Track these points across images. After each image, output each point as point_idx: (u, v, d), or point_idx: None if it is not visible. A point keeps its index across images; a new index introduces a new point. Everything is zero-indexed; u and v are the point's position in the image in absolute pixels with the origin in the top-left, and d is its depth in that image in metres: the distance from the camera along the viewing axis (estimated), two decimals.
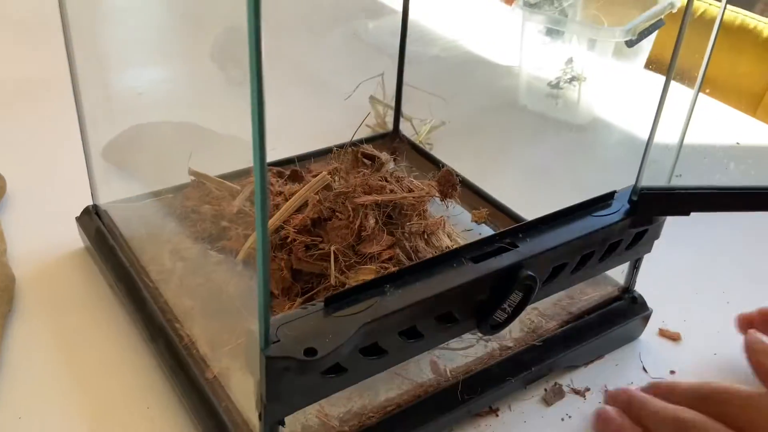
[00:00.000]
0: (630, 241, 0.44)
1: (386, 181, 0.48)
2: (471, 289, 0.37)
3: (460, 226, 0.57)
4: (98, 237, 0.53)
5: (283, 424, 0.35)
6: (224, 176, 0.55)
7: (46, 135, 0.73)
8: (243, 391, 0.40)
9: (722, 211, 0.43)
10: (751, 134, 0.85)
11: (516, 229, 0.40)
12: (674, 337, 0.52)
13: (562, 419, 0.45)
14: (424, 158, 0.66)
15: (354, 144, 0.61)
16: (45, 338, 0.49)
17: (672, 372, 0.49)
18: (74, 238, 0.57)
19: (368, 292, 0.35)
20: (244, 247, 0.46)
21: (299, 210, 0.48)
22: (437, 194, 0.50)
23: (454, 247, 0.42)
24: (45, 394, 0.45)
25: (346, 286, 0.37)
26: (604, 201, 0.44)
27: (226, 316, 0.45)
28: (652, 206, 0.43)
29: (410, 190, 0.48)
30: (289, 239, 0.46)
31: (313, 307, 0.34)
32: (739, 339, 0.49)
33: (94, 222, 0.54)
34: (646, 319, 0.50)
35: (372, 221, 0.45)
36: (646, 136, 0.42)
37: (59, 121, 0.71)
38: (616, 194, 0.44)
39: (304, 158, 0.62)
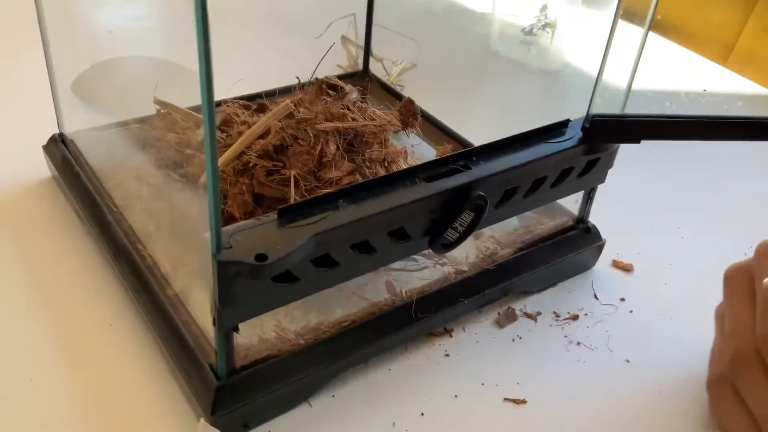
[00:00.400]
0: (582, 169, 0.46)
1: (348, 109, 0.49)
2: (423, 206, 0.38)
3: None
4: (64, 164, 0.54)
5: (237, 330, 0.36)
6: (192, 109, 0.56)
7: (10, 66, 0.72)
8: (202, 306, 0.41)
9: (672, 140, 0.44)
10: (719, 82, 0.86)
11: (469, 152, 0.41)
12: (627, 268, 0.54)
13: (513, 340, 0.47)
14: (394, 98, 0.66)
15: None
16: (12, 261, 0.49)
17: (622, 299, 0.51)
18: (41, 168, 0.57)
19: (322, 206, 0.36)
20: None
21: (262, 137, 0.48)
22: (399, 124, 0.51)
23: None
24: (12, 313, 0.46)
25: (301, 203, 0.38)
26: (558, 129, 0.45)
27: (188, 237, 0.46)
28: (604, 133, 0.44)
29: (372, 119, 0.49)
30: (251, 164, 0.46)
31: (266, 218, 0.35)
32: (692, 274, 0.52)
33: (60, 150, 0.55)
34: (600, 249, 0.52)
35: (333, 147, 0.46)
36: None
37: (25, 54, 0.71)
38: (570, 123, 0.45)
39: (271, 94, 0.62)
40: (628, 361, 0.46)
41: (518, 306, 0.49)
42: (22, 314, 0.45)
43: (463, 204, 0.39)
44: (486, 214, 0.40)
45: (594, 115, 0.43)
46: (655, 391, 0.44)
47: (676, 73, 0.84)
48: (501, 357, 0.45)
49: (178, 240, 0.46)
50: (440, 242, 0.40)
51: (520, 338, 0.47)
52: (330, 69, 0.73)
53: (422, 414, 0.41)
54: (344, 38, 0.75)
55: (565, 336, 0.47)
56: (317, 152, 0.46)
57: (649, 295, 0.51)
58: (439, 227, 0.39)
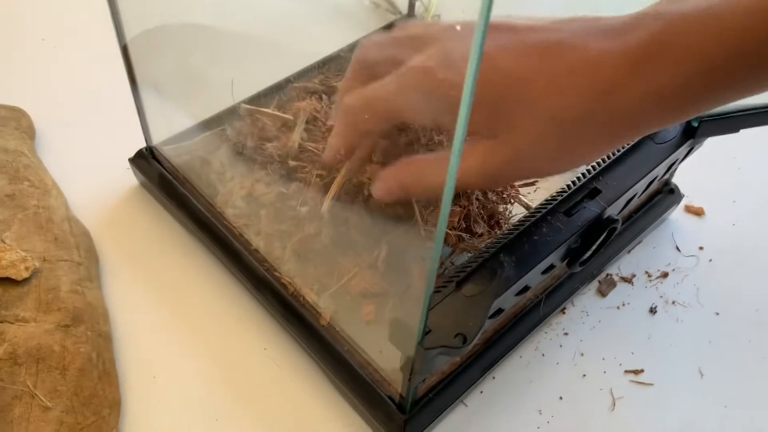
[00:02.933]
0: (683, 156, 0.49)
1: None
2: (569, 243, 0.42)
3: None
4: (161, 182, 0.54)
5: (424, 380, 0.41)
6: (265, 91, 0.55)
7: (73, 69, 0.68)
8: (359, 333, 0.45)
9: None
10: None
11: (596, 174, 0.44)
12: (698, 212, 0.58)
13: (618, 307, 0.53)
14: None
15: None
16: (140, 290, 0.51)
17: (700, 248, 0.56)
18: (126, 177, 0.57)
19: (490, 266, 0.39)
20: (327, 197, 0.48)
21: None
22: None
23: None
24: (164, 345, 0.49)
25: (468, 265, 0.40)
26: None
27: (324, 259, 0.48)
28: (709, 129, 0.46)
29: None
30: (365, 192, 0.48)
31: (446, 289, 0.38)
32: (752, 210, 0.57)
33: (153, 166, 0.54)
34: (679, 202, 0.56)
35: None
36: None
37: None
38: None
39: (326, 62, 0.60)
40: (717, 314, 0.52)
41: (613, 270, 0.54)
42: (172, 345, 0.49)
43: (599, 231, 0.42)
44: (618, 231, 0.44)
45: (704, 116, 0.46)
46: (744, 340, 0.51)
47: None
48: (611, 327, 0.51)
49: (312, 263, 0.49)
50: (578, 263, 0.44)
51: (623, 305, 0.53)
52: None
53: (560, 398, 0.48)
54: None
55: (661, 296, 0.53)
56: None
57: (721, 239, 0.57)
58: (579, 252, 0.43)
